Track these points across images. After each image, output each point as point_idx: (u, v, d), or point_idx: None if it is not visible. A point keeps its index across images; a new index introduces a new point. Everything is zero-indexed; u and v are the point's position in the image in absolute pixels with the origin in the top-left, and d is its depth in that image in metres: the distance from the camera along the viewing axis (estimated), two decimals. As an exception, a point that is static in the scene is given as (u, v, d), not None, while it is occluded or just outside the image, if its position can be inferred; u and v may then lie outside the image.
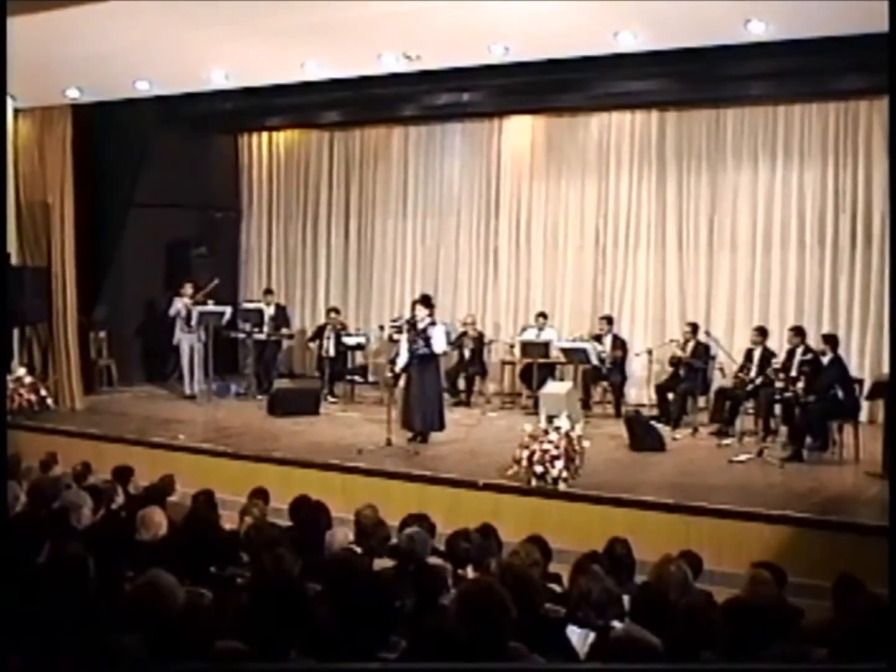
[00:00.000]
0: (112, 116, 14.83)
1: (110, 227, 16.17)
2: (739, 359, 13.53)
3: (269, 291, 17.42)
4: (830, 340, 12.40)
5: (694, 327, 14.29)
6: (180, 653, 4.18)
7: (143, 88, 13.30)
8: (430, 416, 12.63)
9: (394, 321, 13.93)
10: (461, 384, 15.94)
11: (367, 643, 4.58)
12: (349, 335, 16.66)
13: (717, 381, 14.03)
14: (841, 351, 12.66)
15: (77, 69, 12.54)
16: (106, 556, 5.40)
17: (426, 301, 12.84)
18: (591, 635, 5.10)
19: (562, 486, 10.22)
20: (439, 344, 12.55)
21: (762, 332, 13.56)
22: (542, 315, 15.74)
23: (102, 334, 16.90)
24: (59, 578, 4.73)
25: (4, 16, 9.29)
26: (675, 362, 14.30)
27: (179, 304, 15.97)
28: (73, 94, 13.79)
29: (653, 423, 13.00)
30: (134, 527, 6.93)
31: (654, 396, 14.61)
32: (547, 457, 10.24)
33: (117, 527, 7.26)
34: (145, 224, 16.64)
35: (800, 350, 12.72)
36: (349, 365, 16.70)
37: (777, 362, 12.77)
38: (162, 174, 16.56)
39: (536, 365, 14.74)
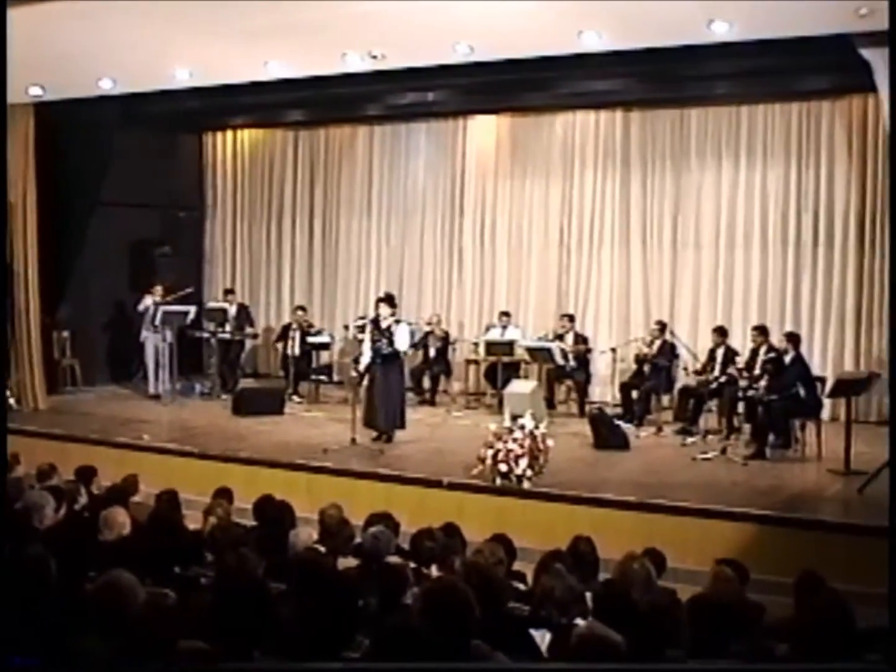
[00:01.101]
0: (75, 115, 14.70)
1: (74, 227, 16.07)
2: (703, 357, 13.60)
3: (230, 291, 17.42)
4: (793, 339, 12.50)
5: (662, 326, 14.34)
6: (144, 653, 4.16)
7: (107, 87, 13.21)
8: (392, 415, 12.63)
9: (358, 320, 13.92)
10: (426, 383, 15.93)
11: (330, 642, 4.57)
12: (314, 334, 16.63)
13: (681, 380, 14.09)
14: (803, 349, 12.75)
15: (40, 67, 12.44)
16: (68, 557, 5.37)
17: (390, 300, 12.85)
18: (548, 635, 5.12)
19: (526, 485, 10.24)
20: (402, 342, 12.55)
21: (722, 332, 13.64)
22: (506, 314, 15.78)
23: (66, 334, 16.78)
24: (20, 580, 4.69)
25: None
26: (639, 361, 14.35)
27: (149, 301, 15.94)
28: (35, 92, 13.67)
29: (617, 421, 13.03)
30: (97, 527, 6.90)
31: (618, 395, 14.64)
32: (511, 456, 10.25)
33: (80, 527, 7.22)
34: (109, 223, 16.53)
35: (763, 349, 12.79)
36: (314, 364, 16.67)
37: (740, 361, 12.86)
38: (126, 173, 16.46)
39: (501, 364, 14.76)
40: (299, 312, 16.75)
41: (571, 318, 15.32)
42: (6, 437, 9.40)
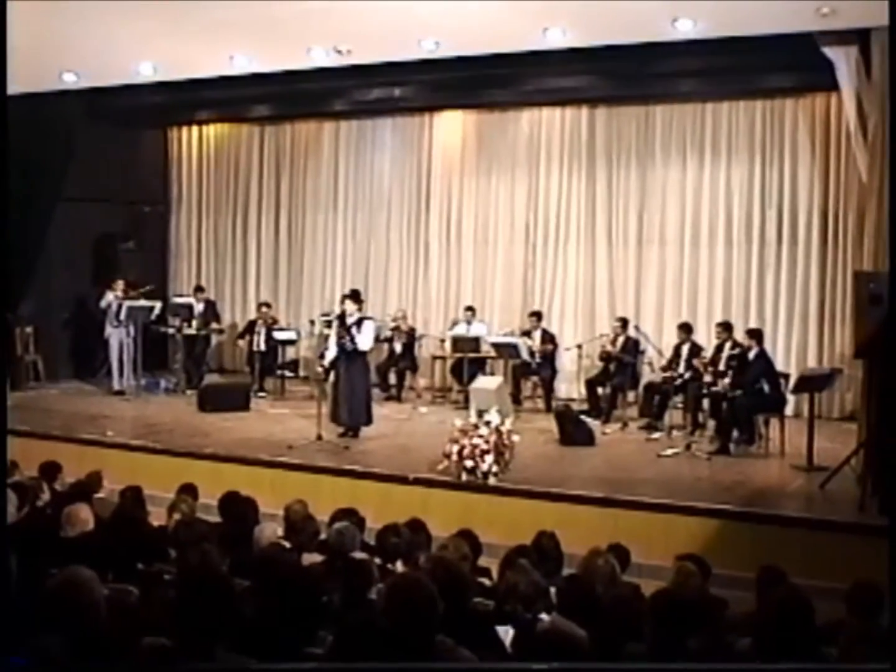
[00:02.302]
0: (38, 109, 14.60)
1: (36, 222, 15.95)
2: (668, 353, 13.66)
3: (199, 289, 17.28)
4: (755, 335, 12.56)
5: (624, 322, 14.40)
6: (106, 650, 4.15)
7: (70, 80, 13.16)
8: (356, 411, 12.61)
9: (324, 315, 13.90)
10: (392, 379, 15.91)
11: (293, 638, 4.57)
12: (280, 330, 16.60)
13: (647, 376, 14.15)
14: (767, 346, 12.82)
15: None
16: (30, 554, 5.34)
17: (355, 296, 12.82)
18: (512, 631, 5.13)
19: (492, 481, 10.25)
20: (365, 341, 12.50)
21: (687, 329, 13.71)
22: (470, 309, 15.78)
23: (29, 330, 16.65)
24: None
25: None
26: (604, 357, 14.40)
27: (111, 297, 15.84)
28: (-4, 85, 13.59)
29: (583, 417, 13.05)
30: (59, 524, 6.86)
31: (583, 391, 14.67)
32: (477, 451, 10.25)
33: (42, 524, 7.18)
34: (72, 218, 16.46)
35: (727, 345, 12.87)
36: (280, 360, 16.62)
37: (705, 357, 12.93)
38: (89, 168, 16.39)
39: (467, 360, 14.77)
40: (264, 308, 16.71)
41: (539, 316, 15.34)
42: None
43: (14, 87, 13.53)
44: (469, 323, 15.57)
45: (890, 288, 8.90)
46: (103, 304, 15.92)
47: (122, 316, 15.49)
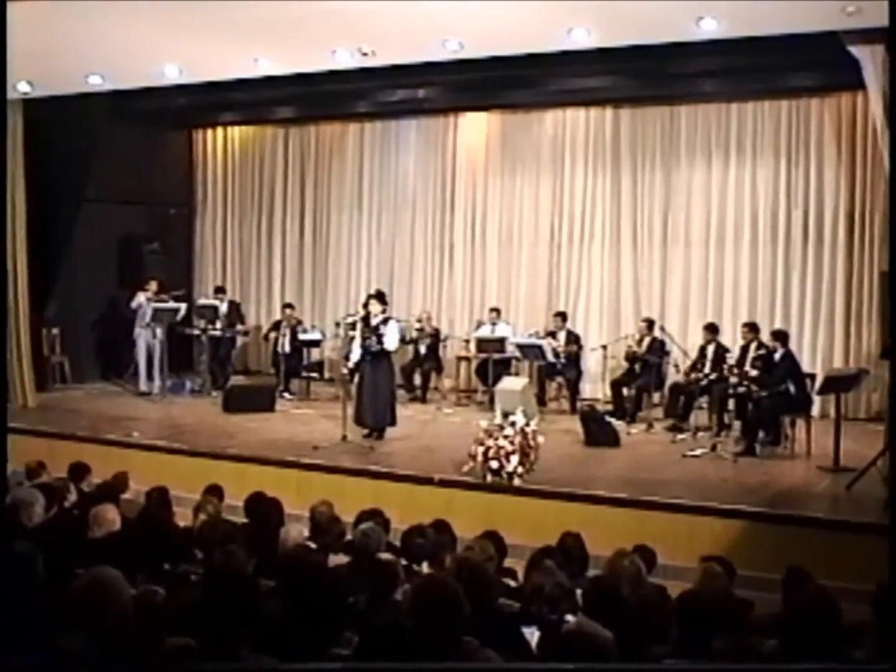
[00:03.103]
0: (64, 111, 14.66)
1: (62, 223, 16.02)
2: (693, 354, 13.62)
3: (220, 289, 17.35)
4: (780, 337, 12.52)
5: (649, 323, 14.37)
6: (132, 649, 4.16)
7: (96, 83, 13.19)
8: (381, 412, 12.62)
9: (349, 316, 13.91)
10: (416, 380, 15.93)
11: (319, 639, 4.57)
12: (304, 331, 16.63)
13: (672, 377, 14.11)
14: (793, 346, 12.78)
15: (28, 63, 12.37)
16: (57, 555, 5.36)
17: (380, 297, 12.84)
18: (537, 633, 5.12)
19: (517, 482, 10.25)
20: (391, 341, 12.53)
21: (713, 330, 13.67)
22: (495, 310, 15.77)
23: (55, 331, 16.74)
24: (7, 578, 4.69)
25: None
26: (630, 358, 14.37)
27: (142, 298, 15.91)
28: (24, 88, 13.62)
29: (607, 418, 13.05)
30: (86, 524, 6.89)
31: (608, 392, 14.67)
32: (502, 452, 10.25)
33: (69, 524, 7.21)
34: (98, 220, 16.53)
35: (753, 345, 12.82)
36: (304, 361, 16.66)
37: (731, 358, 12.87)
38: (115, 170, 16.46)
39: (492, 361, 14.76)
40: (288, 310, 16.75)
41: (564, 317, 15.34)
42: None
43: (40, 90, 13.68)
44: (494, 324, 15.56)
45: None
46: (134, 304, 15.99)
47: (149, 317, 15.54)
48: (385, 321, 12.54)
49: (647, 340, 14.23)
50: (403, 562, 6.33)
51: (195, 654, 4.00)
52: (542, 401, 14.55)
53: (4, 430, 9.52)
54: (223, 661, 3.93)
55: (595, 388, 15.65)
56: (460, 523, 7.93)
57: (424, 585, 4.45)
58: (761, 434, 12.07)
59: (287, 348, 16.28)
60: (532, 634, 5.10)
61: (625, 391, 14.21)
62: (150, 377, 16.02)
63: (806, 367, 13.26)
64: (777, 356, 12.29)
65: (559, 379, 15.14)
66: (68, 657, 3.95)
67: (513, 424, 10.44)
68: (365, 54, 11.67)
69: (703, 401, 13.30)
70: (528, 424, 10.50)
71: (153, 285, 16.07)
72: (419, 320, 16.11)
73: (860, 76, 10.90)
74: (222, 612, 4.07)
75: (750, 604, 6.18)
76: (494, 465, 10.27)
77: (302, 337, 16.47)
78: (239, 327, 16.96)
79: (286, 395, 15.88)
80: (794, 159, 14.72)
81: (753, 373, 12.36)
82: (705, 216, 15.35)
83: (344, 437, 12.20)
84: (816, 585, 5.81)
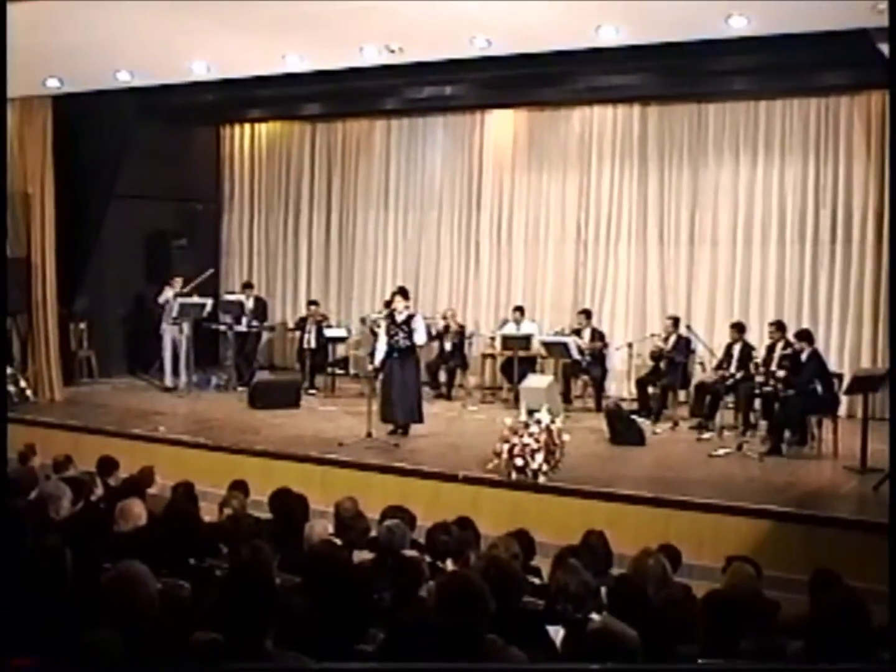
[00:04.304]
0: (93, 107, 14.72)
1: (90, 219, 16.10)
2: (719, 353, 13.58)
3: (248, 285, 17.39)
4: (805, 337, 12.44)
5: (675, 321, 14.33)
6: (158, 643, 4.18)
7: (125, 79, 13.23)
8: (409, 408, 12.64)
9: (375, 313, 13.94)
10: (442, 377, 15.93)
11: (344, 635, 4.58)
12: (330, 327, 16.66)
13: (698, 376, 14.05)
14: (820, 346, 12.75)
15: (58, 60, 12.48)
16: (84, 548, 5.38)
17: (404, 293, 12.83)
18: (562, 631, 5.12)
19: (542, 480, 10.24)
20: (420, 335, 12.54)
21: (740, 329, 13.65)
22: (519, 309, 15.75)
23: (82, 325, 16.84)
24: (37, 571, 4.71)
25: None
26: (655, 356, 14.33)
27: (170, 293, 15.98)
28: (53, 84, 13.70)
29: (633, 417, 13.02)
30: (113, 518, 6.91)
31: (634, 390, 14.63)
32: (527, 450, 10.25)
33: (96, 518, 7.23)
34: (126, 215, 16.60)
35: (780, 345, 12.78)
36: (330, 357, 16.68)
37: (757, 356, 12.81)
38: (143, 165, 16.51)
39: (517, 358, 14.75)
40: (312, 307, 16.78)
41: (589, 315, 15.32)
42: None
43: (69, 87, 13.75)
44: (517, 323, 15.54)
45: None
46: (161, 299, 16.05)
47: (175, 312, 15.60)
48: (411, 317, 12.55)
49: (672, 339, 14.18)
50: (428, 559, 6.33)
51: (222, 649, 4.01)
52: (567, 398, 14.57)
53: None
54: (248, 655, 3.93)
55: (620, 387, 15.62)
56: (485, 521, 7.94)
57: (450, 583, 4.45)
58: (787, 434, 12.02)
59: (313, 344, 16.30)
60: (557, 633, 5.09)
61: (650, 389, 14.18)
62: (175, 372, 16.08)
63: (833, 366, 13.21)
64: (804, 355, 12.22)
65: (584, 377, 15.12)
66: (96, 651, 3.97)
67: (538, 422, 10.43)
68: (392, 51, 11.67)
69: (729, 400, 13.26)
70: (553, 422, 10.50)
71: (178, 281, 16.13)
72: (444, 318, 16.10)
73: (890, 74, 10.82)
74: (248, 608, 4.07)
75: (776, 604, 6.15)
76: (519, 462, 10.26)
77: (327, 333, 16.49)
78: (264, 323, 16.99)
79: (311, 391, 15.90)
80: (822, 158, 14.65)
81: (781, 373, 12.33)
82: (733, 215, 15.29)
83: (369, 434, 12.21)
84: (846, 586, 5.78)
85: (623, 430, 12.49)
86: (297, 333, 16.77)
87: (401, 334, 12.40)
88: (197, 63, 12.58)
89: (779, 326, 13.09)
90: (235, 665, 3.99)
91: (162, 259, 17.28)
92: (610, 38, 10.88)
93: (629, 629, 4.31)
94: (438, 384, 15.86)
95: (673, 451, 12.36)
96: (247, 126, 19.20)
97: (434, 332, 15.49)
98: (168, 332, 15.96)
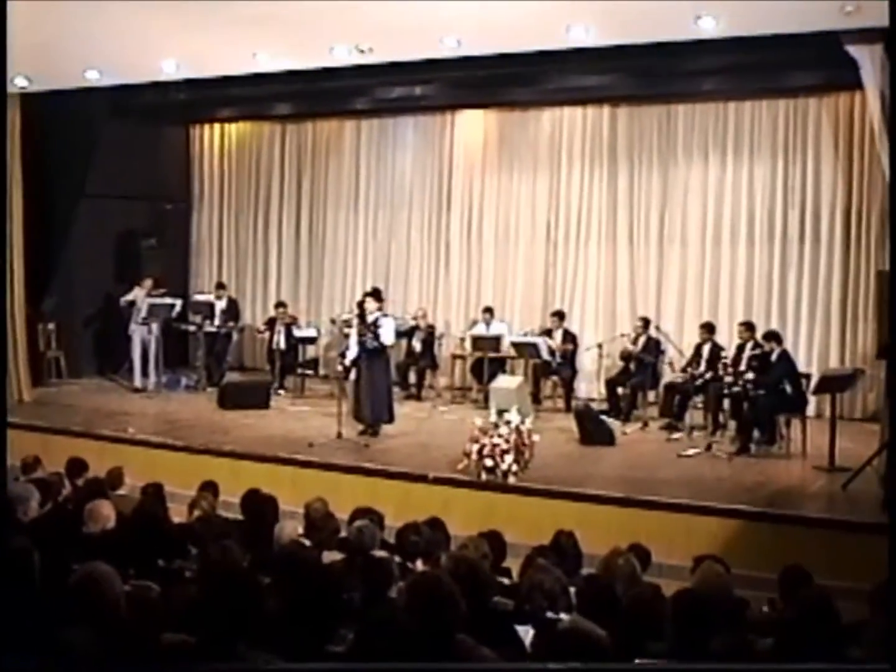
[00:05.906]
0: (61, 106, 14.61)
1: (59, 218, 16.02)
2: (689, 353, 13.62)
3: (221, 286, 17.33)
4: (773, 337, 12.54)
5: (645, 322, 14.36)
6: (127, 645, 4.16)
7: (94, 78, 13.16)
8: (378, 409, 12.64)
9: (346, 314, 13.91)
10: (412, 378, 15.93)
11: (314, 636, 4.57)
12: (300, 328, 16.63)
13: (667, 376, 14.09)
14: (789, 345, 12.81)
15: (25, 58, 12.35)
16: (52, 550, 5.35)
17: (376, 294, 12.83)
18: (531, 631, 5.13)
19: (511, 480, 10.25)
20: (388, 336, 12.53)
21: (709, 329, 13.69)
22: (489, 310, 15.77)
23: (51, 326, 16.72)
24: (4, 572, 4.68)
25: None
26: (625, 357, 14.36)
27: (139, 293, 15.89)
28: (21, 83, 13.60)
29: (603, 417, 13.05)
30: (81, 520, 6.88)
31: (604, 391, 14.67)
32: (497, 451, 10.26)
33: (64, 520, 7.20)
34: (95, 215, 16.49)
35: (749, 344, 12.83)
36: (300, 358, 16.64)
37: (726, 356, 12.86)
38: (112, 165, 16.41)
39: (487, 359, 14.75)
40: (280, 309, 16.72)
41: (562, 316, 15.32)
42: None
43: (38, 85, 13.65)
44: (487, 324, 15.56)
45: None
46: (130, 297, 15.98)
47: (144, 313, 15.53)
48: (381, 318, 12.54)
49: (642, 339, 14.22)
50: (398, 559, 6.33)
51: (192, 650, 4.00)
52: (536, 399, 14.58)
53: (4, 428, 9.53)
54: (220, 657, 3.92)
55: (590, 387, 15.63)
56: (455, 521, 7.95)
57: (419, 583, 4.45)
58: (756, 433, 12.08)
59: (282, 345, 16.27)
60: (526, 633, 5.10)
61: (620, 390, 14.22)
62: (145, 373, 16.01)
63: (802, 366, 13.26)
64: (774, 355, 12.29)
65: (554, 377, 15.13)
66: (72, 652, 3.95)
67: (508, 423, 10.44)
68: (362, 51, 11.67)
69: (699, 400, 13.30)
70: (522, 423, 10.50)
71: (148, 283, 16.05)
72: (414, 317, 16.10)
73: (858, 76, 10.89)
74: (218, 608, 4.06)
75: (745, 602, 6.18)
76: (489, 463, 10.27)
77: (297, 334, 16.46)
78: (233, 324, 16.94)
79: (281, 391, 15.86)
80: (791, 158, 14.71)
81: (749, 374, 12.37)
82: (702, 215, 15.34)
83: (339, 434, 12.19)
84: (815, 584, 5.81)
85: (593, 431, 12.51)
86: (266, 333, 16.72)
87: (369, 335, 12.40)
88: (167, 62, 12.53)
89: (748, 326, 13.15)
90: (206, 666, 3.98)
91: (132, 259, 17.19)
92: (580, 38, 10.90)
93: (598, 629, 4.32)
94: (408, 384, 15.86)
95: (643, 451, 12.39)
96: (217, 126, 19.11)
97: (403, 330, 15.47)
98: (137, 332, 15.89)
